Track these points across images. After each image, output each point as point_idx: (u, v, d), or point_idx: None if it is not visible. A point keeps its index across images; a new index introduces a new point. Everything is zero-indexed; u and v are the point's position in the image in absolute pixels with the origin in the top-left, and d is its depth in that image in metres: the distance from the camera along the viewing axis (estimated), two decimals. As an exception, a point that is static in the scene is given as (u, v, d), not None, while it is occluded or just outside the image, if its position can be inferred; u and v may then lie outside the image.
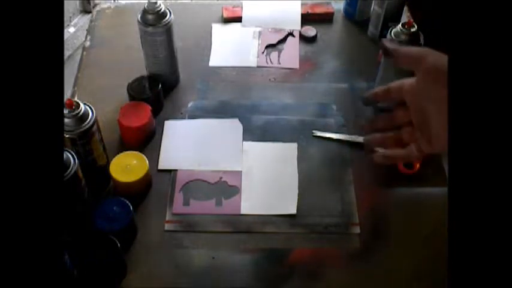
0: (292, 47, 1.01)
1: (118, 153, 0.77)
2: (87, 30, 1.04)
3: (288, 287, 0.69)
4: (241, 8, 1.07)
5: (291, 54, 0.99)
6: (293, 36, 1.02)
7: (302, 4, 1.07)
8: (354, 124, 0.86)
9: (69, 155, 0.66)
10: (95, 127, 0.72)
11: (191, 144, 0.84)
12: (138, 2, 1.02)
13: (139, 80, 0.87)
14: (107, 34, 1.02)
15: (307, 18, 1.05)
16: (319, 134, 0.85)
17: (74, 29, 1.75)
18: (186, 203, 0.76)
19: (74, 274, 0.65)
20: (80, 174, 0.68)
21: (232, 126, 0.86)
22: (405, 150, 0.65)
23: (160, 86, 0.87)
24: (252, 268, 0.70)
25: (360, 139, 0.81)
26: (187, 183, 0.78)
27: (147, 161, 0.76)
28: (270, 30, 1.03)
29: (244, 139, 0.84)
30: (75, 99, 0.73)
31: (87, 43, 1.00)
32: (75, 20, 1.77)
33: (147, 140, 0.83)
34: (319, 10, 1.06)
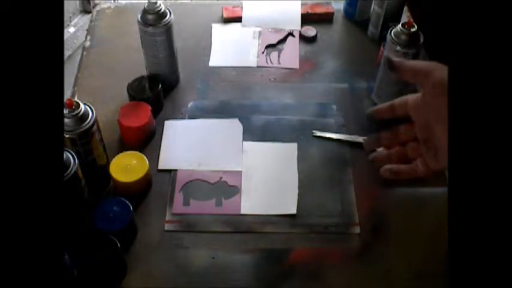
0: (292, 47, 1.01)
1: (118, 153, 0.77)
2: (87, 30, 1.04)
3: (288, 287, 0.69)
4: (241, 8, 1.07)
5: (291, 54, 0.99)
6: (293, 36, 1.02)
7: (302, 4, 1.07)
8: (354, 124, 0.86)
9: (69, 155, 0.66)
10: (95, 127, 0.72)
11: (191, 144, 0.84)
12: (138, 2, 1.02)
13: (139, 80, 0.87)
14: (107, 34, 1.02)
15: (307, 18, 1.05)
16: (319, 134, 0.85)
17: (74, 29, 1.75)
18: (186, 203, 0.76)
19: (74, 274, 0.65)
20: (80, 174, 0.68)
21: (232, 126, 0.86)
22: (411, 166, 0.64)
23: (160, 86, 0.87)
24: (252, 268, 0.70)
25: (360, 139, 0.81)
26: (187, 183, 0.78)
27: (147, 161, 0.76)
28: (270, 30, 1.03)
29: (244, 139, 0.84)
30: (75, 99, 0.73)
31: (87, 43, 1.00)
32: (75, 20, 1.77)
33: (147, 140, 0.83)
34: (319, 10, 1.07)
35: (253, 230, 0.74)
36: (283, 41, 1.02)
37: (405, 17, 1.00)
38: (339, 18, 1.07)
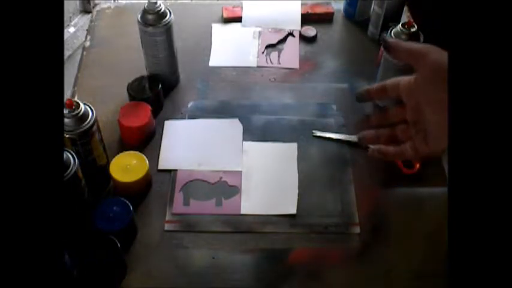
0: (292, 47, 1.01)
1: (118, 153, 0.77)
2: (87, 30, 1.04)
3: (288, 287, 0.69)
4: (241, 8, 1.07)
5: (291, 54, 0.99)
6: (293, 36, 1.02)
7: (302, 4, 1.07)
8: (354, 124, 0.86)
9: (69, 155, 0.66)
10: (95, 127, 0.72)
11: (191, 144, 0.84)
12: (138, 2, 1.02)
13: (139, 80, 0.87)
14: (107, 34, 1.02)
15: (307, 18, 1.05)
16: (319, 134, 0.85)
17: (74, 29, 1.75)
18: (186, 203, 0.76)
19: (74, 274, 0.65)
20: (80, 174, 0.68)
21: (232, 126, 0.86)
22: (399, 148, 0.64)
23: (160, 86, 0.87)
24: (252, 268, 0.70)
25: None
26: (187, 183, 0.78)
27: (147, 161, 0.76)
28: (270, 30, 1.03)
29: (244, 139, 0.84)
30: (75, 99, 0.73)
31: (87, 43, 1.00)
32: (75, 20, 1.77)
33: (147, 140, 0.83)
34: (319, 10, 1.06)
35: (253, 230, 0.74)
36: (283, 41, 1.02)
37: (405, 17, 1.00)
38: (339, 18, 1.07)
